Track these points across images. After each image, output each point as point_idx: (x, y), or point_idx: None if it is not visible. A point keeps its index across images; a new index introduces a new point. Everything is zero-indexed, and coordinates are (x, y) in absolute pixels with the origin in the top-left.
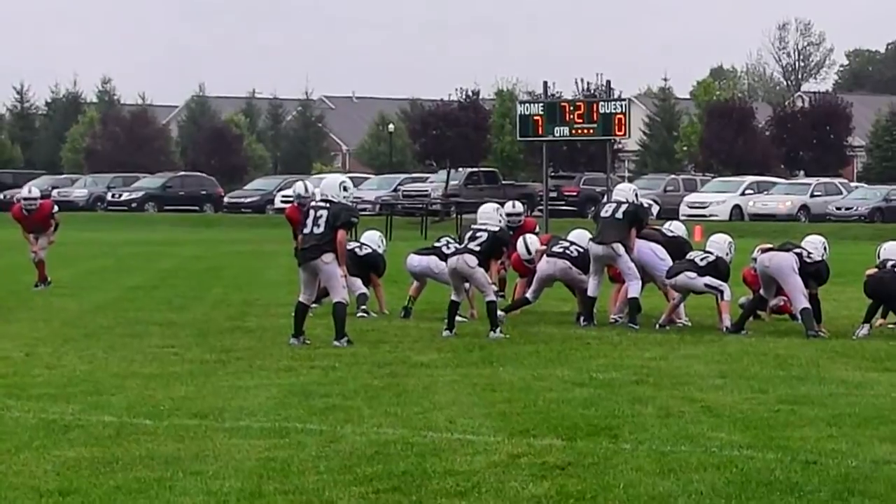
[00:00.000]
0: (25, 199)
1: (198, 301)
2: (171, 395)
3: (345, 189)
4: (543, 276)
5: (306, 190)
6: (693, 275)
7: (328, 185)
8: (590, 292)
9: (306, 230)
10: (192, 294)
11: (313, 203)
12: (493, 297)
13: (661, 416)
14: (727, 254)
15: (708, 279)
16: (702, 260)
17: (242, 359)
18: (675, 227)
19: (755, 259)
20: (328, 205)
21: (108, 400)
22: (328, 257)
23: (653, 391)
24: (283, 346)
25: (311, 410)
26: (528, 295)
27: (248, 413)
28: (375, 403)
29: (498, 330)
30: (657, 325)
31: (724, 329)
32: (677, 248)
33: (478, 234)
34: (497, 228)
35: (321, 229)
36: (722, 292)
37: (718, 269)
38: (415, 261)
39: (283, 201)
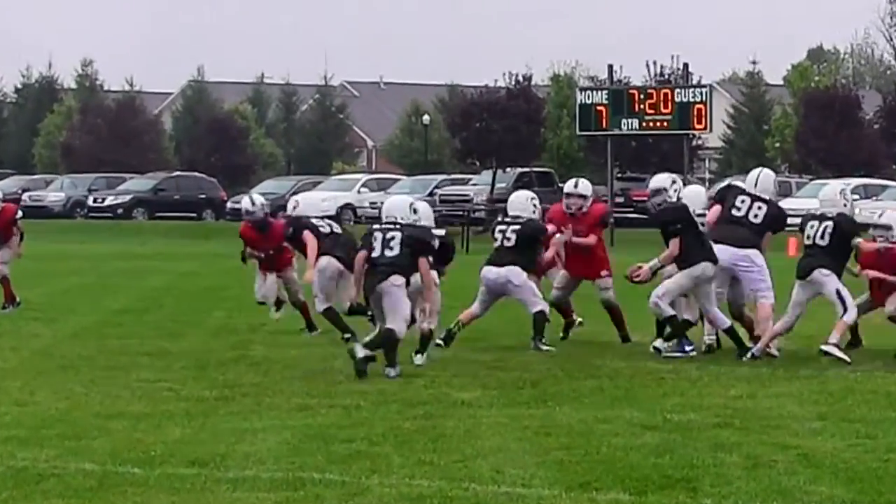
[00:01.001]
0: None
1: (195, 327)
2: (164, 439)
3: (415, 211)
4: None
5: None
6: (828, 272)
7: (395, 206)
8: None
9: (375, 253)
10: (189, 319)
11: (379, 227)
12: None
13: (748, 466)
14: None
15: (839, 285)
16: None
17: (248, 395)
18: None
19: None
20: (398, 227)
21: (89, 444)
22: (398, 280)
23: (738, 436)
24: (295, 380)
25: (331, 458)
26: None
27: (256, 461)
28: (407, 450)
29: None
30: (748, 356)
31: (831, 350)
32: None
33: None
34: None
35: (394, 252)
36: (846, 307)
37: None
38: (492, 273)
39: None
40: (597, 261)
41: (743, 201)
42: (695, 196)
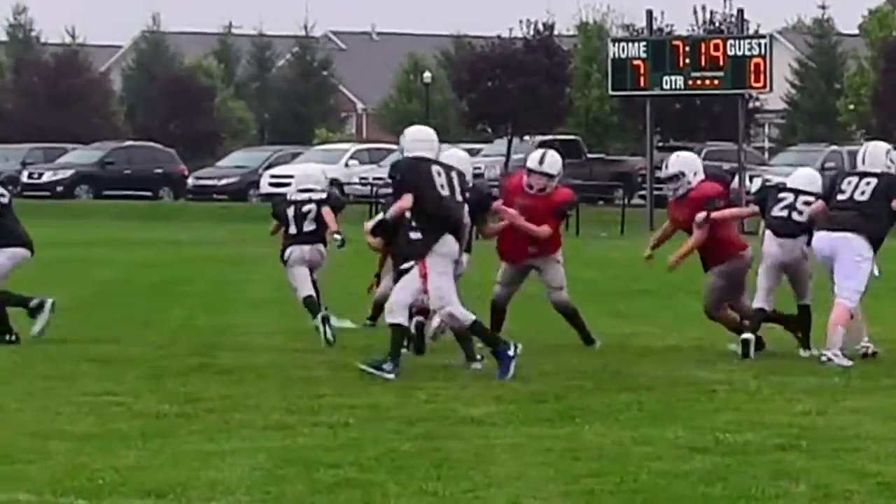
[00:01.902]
0: None
1: (151, 328)
2: (114, 464)
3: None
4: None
5: None
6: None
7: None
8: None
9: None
10: (143, 318)
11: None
12: None
13: (817, 496)
14: None
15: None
16: None
17: (214, 411)
18: None
19: None
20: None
21: (24, 470)
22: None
23: (805, 460)
24: (271, 392)
25: (314, 486)
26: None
27: (224, 490)
28: (405, 477)
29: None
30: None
31: None
32: None
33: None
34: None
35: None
36: None
37: None
38: None
39: (272, 184)
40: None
41: (849, 182)
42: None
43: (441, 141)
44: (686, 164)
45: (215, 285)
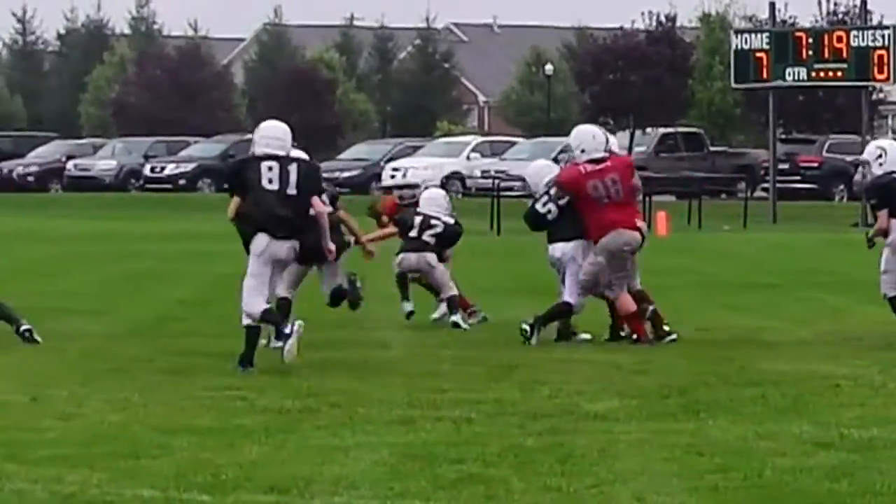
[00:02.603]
0: None
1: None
2: (237, 460)
3: None
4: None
5: None
6: None
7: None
8: None
9: None
10: None
11: None
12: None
13: None
14: None
15: None
16: None
17: (338, 406)
18: None
19: None
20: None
21: (148, 465)
22: None
23: None
24: (395, 387)
25: (437, 482)
26: None
27: (348, 485)
28: (529, 472)
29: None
30: None
31: None
32: None
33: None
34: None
35: None
36: None
37: None
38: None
39: (393, 177)
40: None
41: None
42: None
43: (561, 133)
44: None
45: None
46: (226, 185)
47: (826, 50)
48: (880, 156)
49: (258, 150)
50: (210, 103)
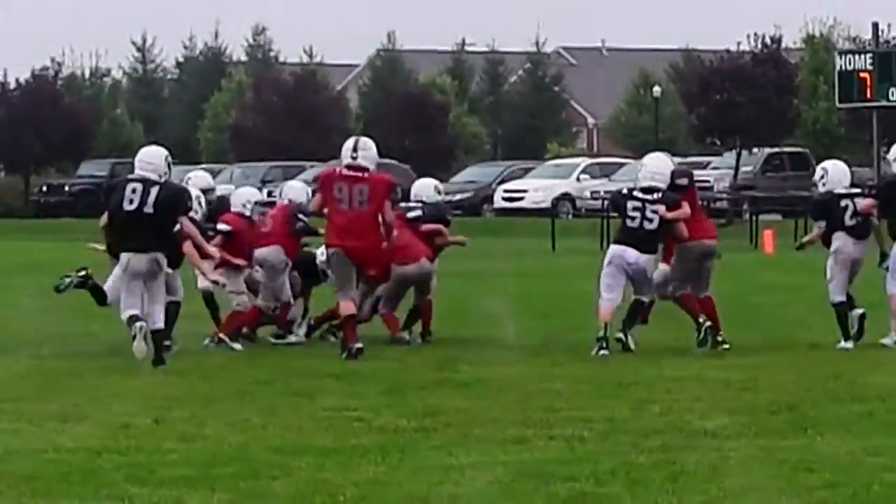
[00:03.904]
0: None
1: (388, 343)
2: (355, 479)
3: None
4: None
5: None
6: None
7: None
8: None
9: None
10: (380, 332)
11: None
12: None
13: None
14: None
15: None
16: None
17: (453, 426)
18: None
19: None
20: None
21: (269, 486)
22: None
23: None
24: (509, 406)
25: (552, 499)
26: None
27: (464, 503)
28: (642, 490)
29: None
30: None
31: None
32: None
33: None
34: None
35: None
36: None
37: None
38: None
39: (505, 198)
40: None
41: None
42: None
43: (669, 153)
44: None
45: (453, 299)
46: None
47: None
48: (822, 176)
49: (135, 172)
50: (325, 128)
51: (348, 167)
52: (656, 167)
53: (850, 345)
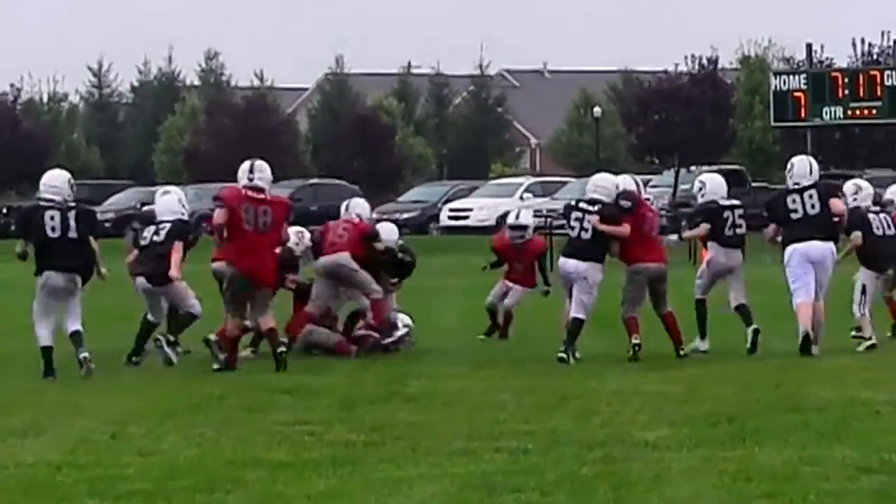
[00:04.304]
0: None
1: (339, 359)
2: (307, 492)
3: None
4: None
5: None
6: None
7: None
8: None
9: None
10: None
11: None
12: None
13: None
14: None
15: None
16: None
17: (402, 439)
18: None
19: None
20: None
21: (223, 499)
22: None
23: None
24: (456, 419)
25: None
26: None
27: None
28: (585, 500)
29: None
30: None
31: None
32: None
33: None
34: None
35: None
36: None
37: None
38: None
39: (451, 217)
40: None
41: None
42: None
43: (609, 172)
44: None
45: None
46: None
47: (861, 89)
48: (701, 188)
49: (41, 194)
50: (276, 150)
51: (247, 188)
52: (599, 180)
53: (704, 345)
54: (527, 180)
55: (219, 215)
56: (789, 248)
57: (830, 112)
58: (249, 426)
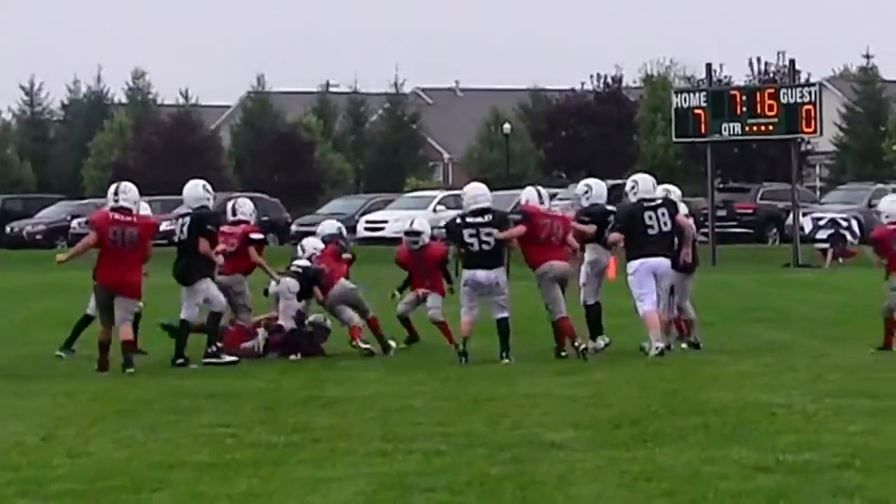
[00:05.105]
0: None
1: (268, 365)
2: (230, 492)
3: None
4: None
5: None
6: None
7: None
8: None
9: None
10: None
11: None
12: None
13: None
14: None
15: None
16: None
17: (321, 441)
18: None
19: None
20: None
21: (149, 498)
22: None
23: (862, 478)
24: (373, 422)
25: None
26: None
27: None
28: (494, 499)
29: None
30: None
31: None
32: None
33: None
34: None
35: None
36: None
37: None
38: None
39: (367, 228)
40: None
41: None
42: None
43: (520, 186)
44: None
45: None
46: None
47: (758, 106)
48: (587, 192)
49: None
50: (201, 165)
51: (114, 209)
52: (474, 191)
53: (601, 343)
54: (440, 193)
55: (91, 238)
56: (637, 261)
57: (729, 128)
58: (175, 429)
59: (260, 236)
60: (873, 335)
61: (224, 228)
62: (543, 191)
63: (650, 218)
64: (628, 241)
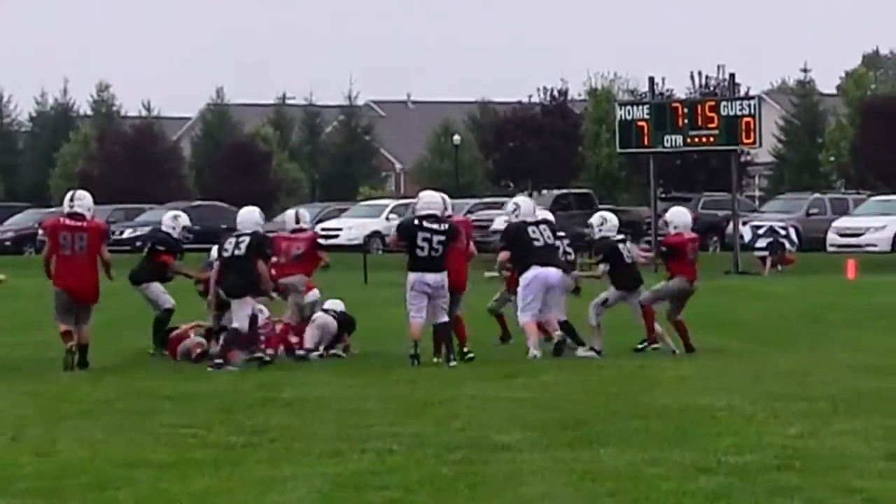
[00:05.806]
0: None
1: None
2: (190, 490)
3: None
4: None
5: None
6: None
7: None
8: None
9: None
10: None
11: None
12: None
13: None
14: None
15: None
16: None
17: (277, 441)
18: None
19: None
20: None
21: (113, 496)
22: None
23: (799, 479)
24: (327, 423)
25: None
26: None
27: None
28: (445, 498)
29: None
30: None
31: None
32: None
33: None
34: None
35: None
36: None
37: None
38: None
39: (322, 236)
40: None
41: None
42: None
43: (469, 195)
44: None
45: None
46: None
47: (699, 118)
48: (514, 209)
49: None
50: (163, 174)
51: (69, 216)
52: (428, 198)
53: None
54: (392, 202)
55: (48, 244)
56: (532, 271)
57: (671, 140)
58: (137, 429)
59: (324, 242)
60: (808, 340)
61: (285, 234)
62: (447, 198)
63: (534, 232)
64: (518, 255)
